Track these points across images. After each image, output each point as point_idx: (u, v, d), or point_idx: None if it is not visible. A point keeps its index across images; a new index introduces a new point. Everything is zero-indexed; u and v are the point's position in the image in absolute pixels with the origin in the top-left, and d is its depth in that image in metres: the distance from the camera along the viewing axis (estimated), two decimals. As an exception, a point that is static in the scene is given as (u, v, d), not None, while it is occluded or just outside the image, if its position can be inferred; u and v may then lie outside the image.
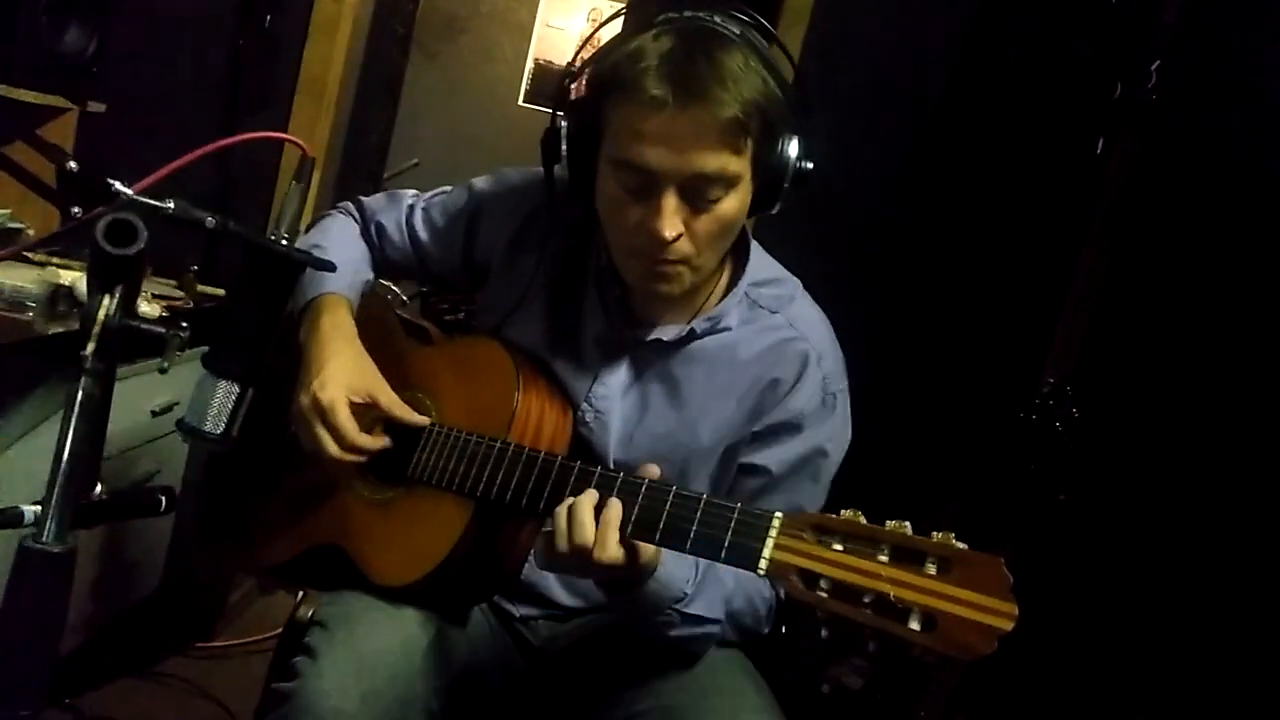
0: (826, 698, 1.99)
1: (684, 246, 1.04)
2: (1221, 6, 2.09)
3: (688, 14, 1.04)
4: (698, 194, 1.02)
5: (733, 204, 1.05)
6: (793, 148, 1.06)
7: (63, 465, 0.69)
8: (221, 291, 2.09)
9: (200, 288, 2.05)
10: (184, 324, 0.72)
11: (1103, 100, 2.11)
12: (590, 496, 0.97)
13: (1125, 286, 2.16)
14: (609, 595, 1.06)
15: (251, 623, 2.33)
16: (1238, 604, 1.68)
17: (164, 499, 0.99)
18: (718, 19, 1.04)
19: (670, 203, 1.02)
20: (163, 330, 0.71)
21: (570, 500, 0.98)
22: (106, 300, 0.69)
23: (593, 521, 0.96)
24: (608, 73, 1.04)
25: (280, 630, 1.36)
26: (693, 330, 1.15)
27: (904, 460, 2.43)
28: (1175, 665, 1.78)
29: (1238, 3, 2.07)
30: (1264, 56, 1.96)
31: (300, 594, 1.34)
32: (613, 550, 0.95)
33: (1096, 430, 2.04)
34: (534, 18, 4.89)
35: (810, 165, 1.08)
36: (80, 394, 0.68)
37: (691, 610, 1.07)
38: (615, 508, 0.96)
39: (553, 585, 1.23)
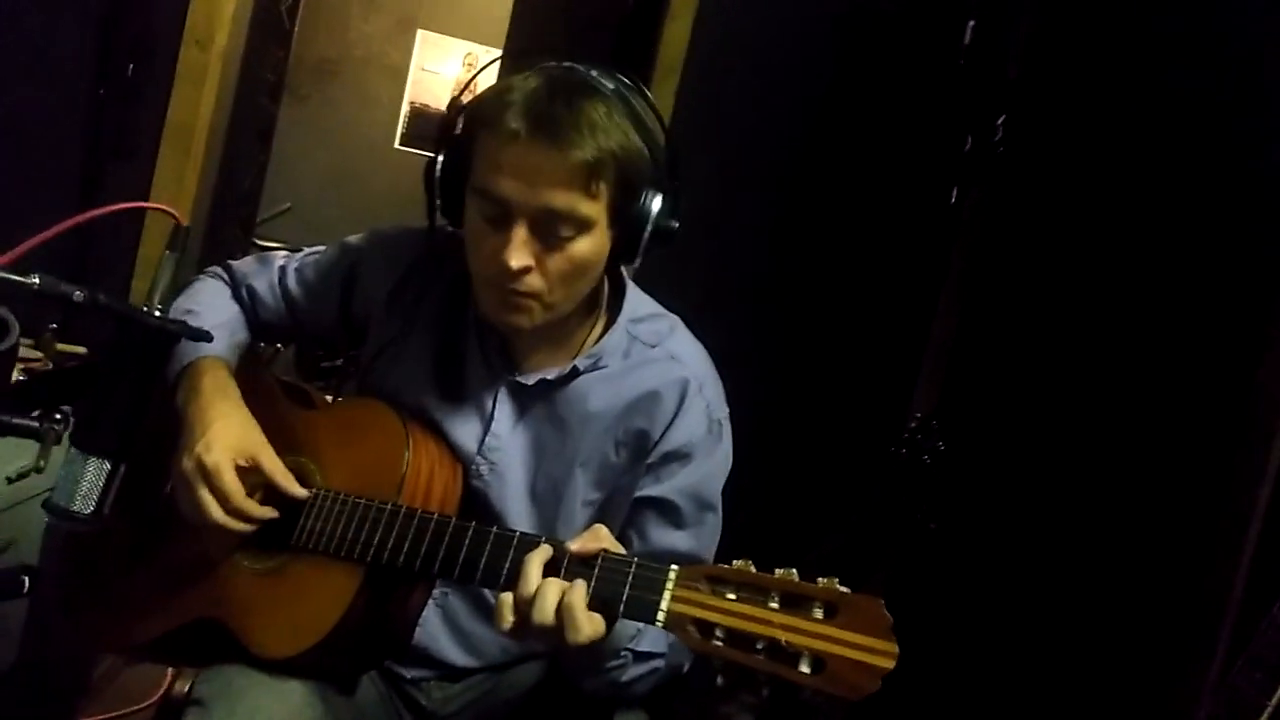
0: (718, 737, 2.01)
1: (534, 281, 1.07)
2: (1060, 62, 2.27)
3: (566, 65, 1.08)
4: (548, 230, 1.05)
5: (585, 246, 1.07)
6: (655, 203, 1.09)
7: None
8: (82, 350, 1.99)
9: (60, 346, 1.95)
10: (58, 415, 0.69)
11: (955, 153, 2.25)
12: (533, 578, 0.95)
13: (981, 326, 2.29)
14: (563, 653, 1.03)
15: (119, 696, 2.20)
16: (1100, 621, 1.79)
17: (26, 579, 0.94)
18: (594, 72, 1.08)
19: (520, 234, 1.04)
20: (37, 425, 0.68)
21: (519, 586, 0.95)
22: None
23: (554, 600, 0.93)
24: (479, 108, 1.09)
25: (151, 702, 1.29)
26: (575, 368, 1.17)
27: (782, 497, 2.50)
28: (1039, 682, 1.88)
29: (1075, 59, 2.24)
30: (1102, 108, 2.13)
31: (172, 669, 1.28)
32: (586, 624, 0.92)
33: (962, 462, 2.15)
34: (409, 62, 4.88)
35: (675, 224, 1.11)
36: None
37: (643, 648, 1.07)
38: (579, 589, 0.93)
39: (445, 646, 1.21)
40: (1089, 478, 1.92)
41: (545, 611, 0.92)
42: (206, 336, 0.96)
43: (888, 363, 2.46)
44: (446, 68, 4.93)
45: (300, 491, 1.12)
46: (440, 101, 4.92)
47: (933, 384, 2.38)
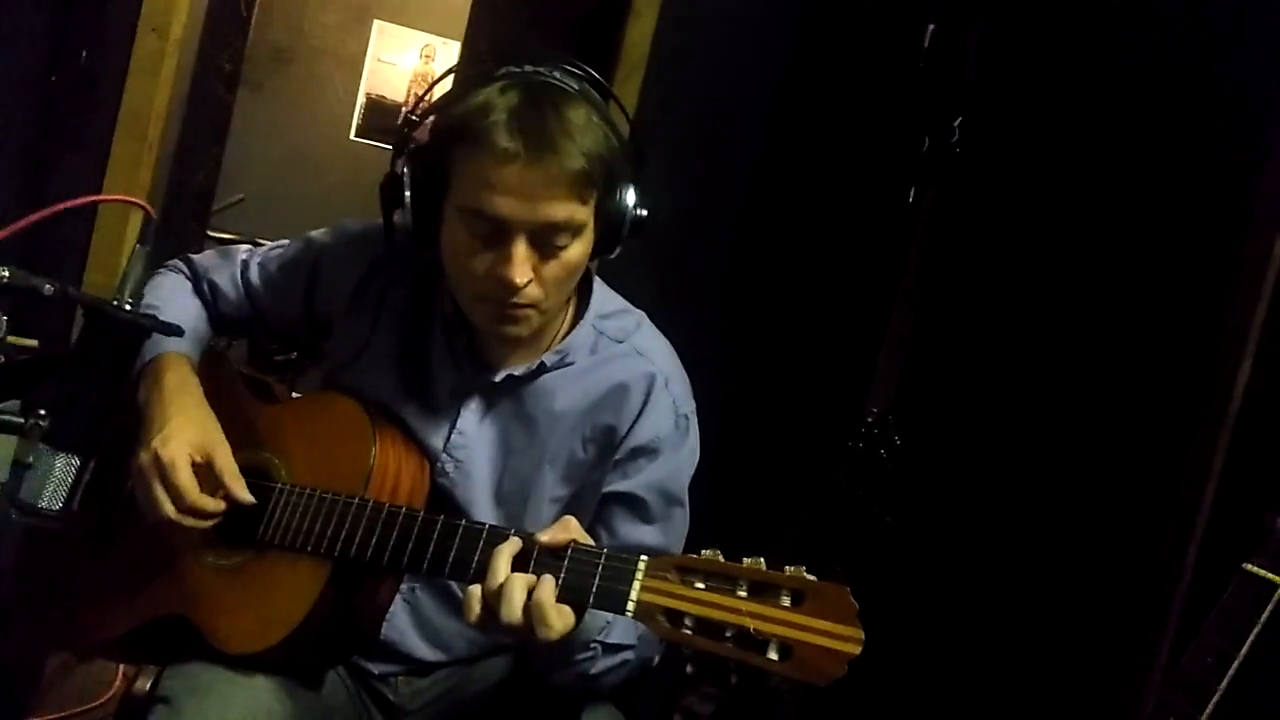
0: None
1: (533, 291, 1.08)
2: (1015, 65, 2.32)
3: (529, 69, 1.08)
4: (546, 242, 1.06)
5: (578, 250, 1.09)
6: (630, 196, 1.12)
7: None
8: (34, 343, 1.95)
9: (11, 339, 1.90)
10: (41, 411, 0.68)
11: (913, 153, 2.29)
12: (501, 572, 0.95)
13: (938, 322, 2.34)
14: (532, 646, 1.03)
15: (71, 695, 2.17)
16: (1054, 611, 1.84)
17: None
18: (557, 74, 1.08)
19: (520, 250, 1.05)
20: (21, 420, 0.67)
21: (487, 580, 0.95)
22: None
23: (522, 596, 0.93)
24: (456, 124, 1.06)
25: (103, 701, 1.28)
26: (542, 364, 1.18)
27: (742, 491, 2.53)
28: (995, 670, 1.93)
29: (1030, 62, 2.29)
30: (1056, 109, 2.19)
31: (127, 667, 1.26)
32: (555, 620, 0.92)
33: (917, 456, 2.19)
34: (364, 52, 4.83)
35: (645, 213, 1.13)
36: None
37: (612, 640, 1.08)
38: (547, 584, 0.93)
39: (412, 640, 1.22)
40: (1042, 472, 1.97)
41: (513, 607, 0.92)
42: (177, 331, 0.95)
43: (846, 358, 2.50)
44: (403, 59, 4.89)
45: (247, 497, 1.11)
46: (397, 93, 4.88)
47: (889, 379, 2.42)
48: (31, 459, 0.82)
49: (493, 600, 0.94)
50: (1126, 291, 1.88)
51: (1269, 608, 1.08)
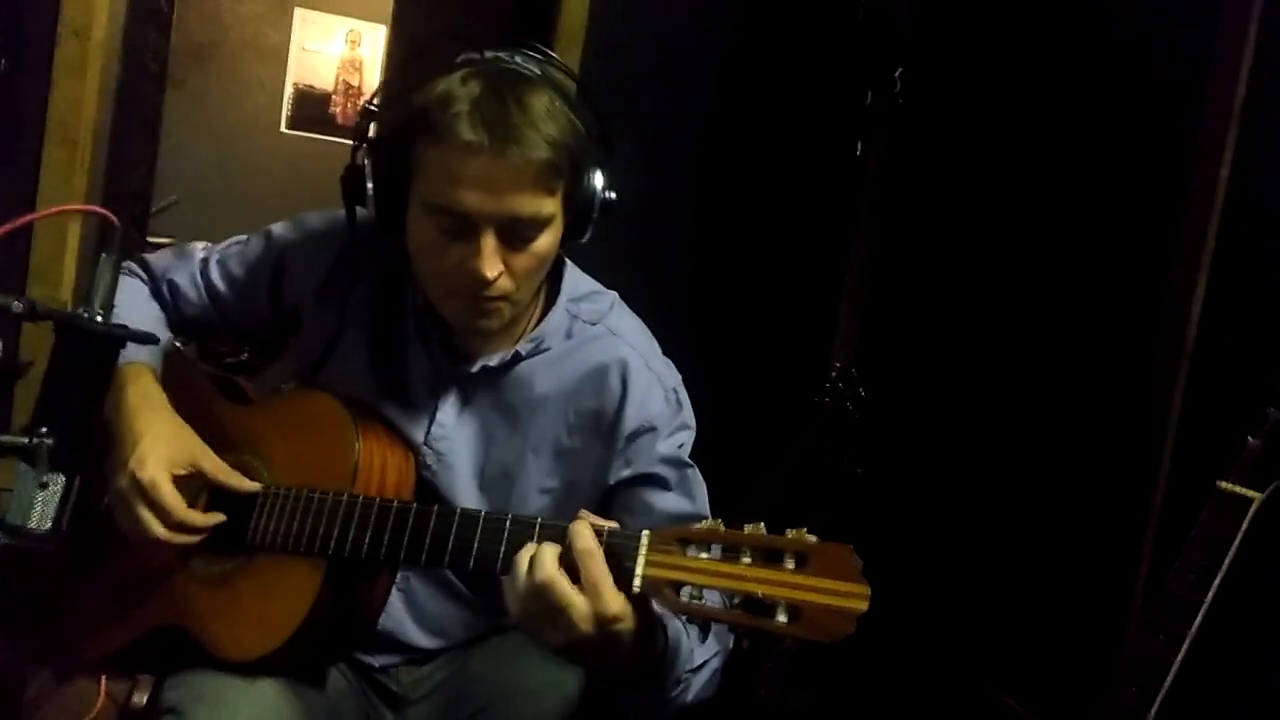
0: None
1: (504, 284, 1.07)
2: (951, 12, 2.34)
3: (489, 55, 1.06)
4: (514, 234, 1.05)
5: (547, 240, 1.08)
6: (598, 180, 1.10)
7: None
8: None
9: (-45, 363, 1.85)
10: (44, 429, 0.66)
11: (857, 107, 2.30)
12: (549, 548, 0.90)
13: (893, 274, 2.37)
14: (624, 691, 0.98)
15: (53, 715, 2.12)
16: (1030, 549, 1.89)
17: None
18: (518, 59, 1.06)
19: (489, 244, 1.03)
20: (24, 441, 0.65)
21: (524, 560, 0.90)
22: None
23: (561, 574, 0.88)
24: (418, 116, 1.04)
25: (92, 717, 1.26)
26: (518, 353, 1.17)
27: (714, 456, 2.54)
28: (979, 603, 1.98)
29: (965, 6, 2.32)
30: (993, 54, 2.21)
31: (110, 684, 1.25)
32: (614, 598, 0.87)
33: (884, 406, 2.23)
34: (288, 41, 4.71)
35: (614, 196, 1.12)
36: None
37: (697, 662, 1.05)
38: (586, 540, 0.88)
39: (410, 630, 1.21)
40: (1009, 411, 2.01)
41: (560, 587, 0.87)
42: (152, 339, 0.93)
43: (805, 315, 2.52)
44: (329, 46, 4.78)
45: (249, 485, 1.11)
46: (325, 81, 4.77)
47: (850, 333, 2.45)
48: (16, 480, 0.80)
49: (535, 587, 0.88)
50: (1079, 222, 1.92)
51: (1245, 523, 1.12)
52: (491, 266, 1.04)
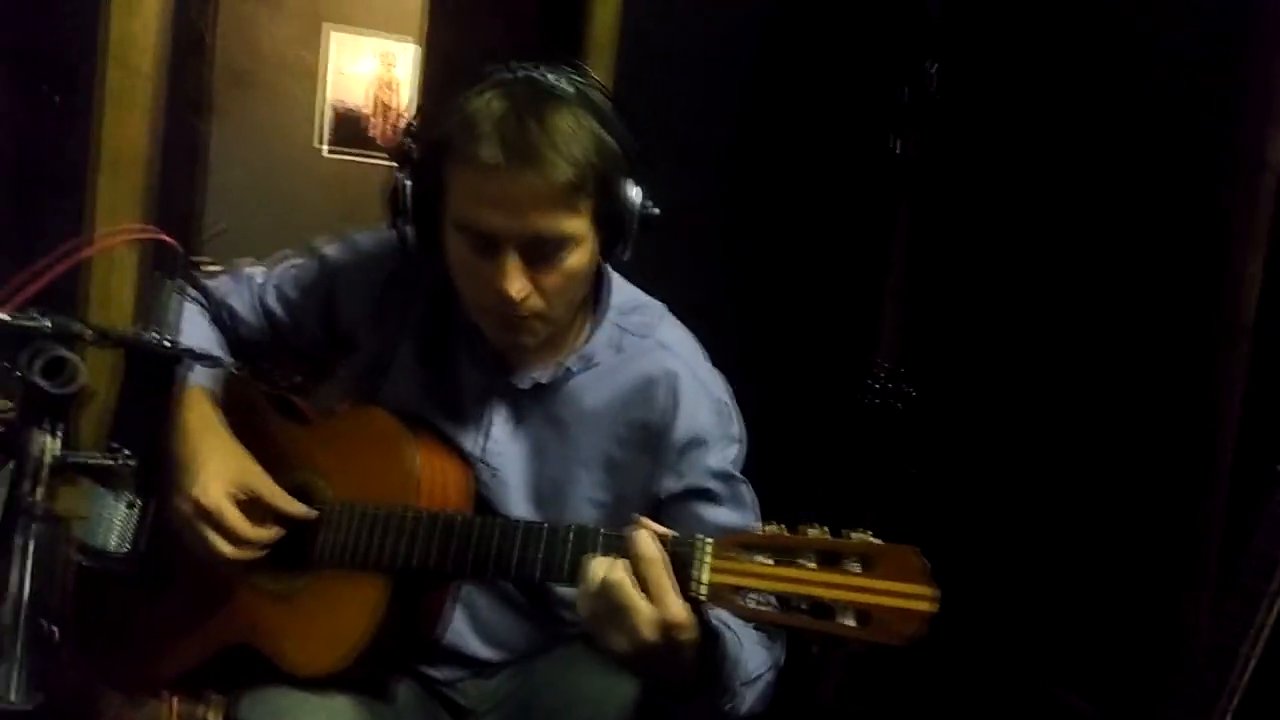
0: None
1: (534, 302, 1.07)
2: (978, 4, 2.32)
3: (519, 73, 1.06)
4: (539, 253, 1.05)
5: (577, 259, 1.08)
6: (634, 195, 1.09)
7: (21, 620, 0.64)
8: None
9: None
10: (125, 450, 0.68)
11: (894, 104, 2.29)
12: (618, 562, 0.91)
13: (935, 271, 2.35)
14: (680, 701, 0.99)
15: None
16: (1092, 544, 1.86)
17: (55, 630, 0.93)
18: (549, 75, 1.06)
19: (513, 262, 1.04)
20: (110, 461, 0.67)
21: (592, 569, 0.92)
22: (49, 441, 0.64)
23: (629, 576, 0.89)
24: (445, 135, 1.06)
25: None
26: (568, 369, 1.18)
27: (762, 460, 2.53)
28: (1042, 602, 1.95)
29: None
30: (1026, 44, 2.18)
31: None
32: (678, 605, 0.89)
33: (934, 405, 2.20)
34: (324, 64, 4.78)
35: (656, 210, 1.11)
36: (31, 543, 0.63)
37: (752, 673, 1.05)
38: (648, 548, 0.90)
39: (472, 643, 1.22)
40: (1061, 408, 1.98)
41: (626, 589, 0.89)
42: (219, 361, 0.95)
43: (848, 316, 2.50)
44: (363, 66, 4.85)
45: (305, 511, 1.13)
46: (361, 101, 4.85)
47: (894, 332, 2.43)
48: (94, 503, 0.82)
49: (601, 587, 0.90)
50: (1126, 209, 1.89)
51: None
52: (515, 285, 1.04)
